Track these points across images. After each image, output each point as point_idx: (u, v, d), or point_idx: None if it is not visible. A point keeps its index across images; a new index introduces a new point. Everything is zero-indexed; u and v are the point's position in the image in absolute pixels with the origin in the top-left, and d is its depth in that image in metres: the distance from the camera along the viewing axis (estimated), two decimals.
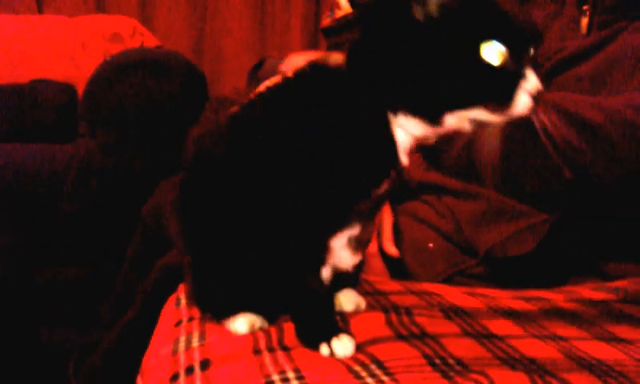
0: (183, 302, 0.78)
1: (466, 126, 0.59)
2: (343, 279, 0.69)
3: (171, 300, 0.81)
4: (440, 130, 0.60)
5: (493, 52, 0.55)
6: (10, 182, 1.77)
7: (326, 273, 0.64)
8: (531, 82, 0.57)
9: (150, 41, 2.39)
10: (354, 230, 0.65)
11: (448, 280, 0.95)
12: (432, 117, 0.58)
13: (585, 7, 1.05)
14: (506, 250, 0.93)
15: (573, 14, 1.07)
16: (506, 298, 0.81)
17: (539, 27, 0.62)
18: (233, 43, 2.77)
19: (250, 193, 0.62)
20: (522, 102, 0.56)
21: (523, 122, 0.59)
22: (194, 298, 0.73)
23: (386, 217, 1.03)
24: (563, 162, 0.86)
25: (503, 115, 0.57)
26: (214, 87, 2.48)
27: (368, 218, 0.67)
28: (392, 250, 0.99)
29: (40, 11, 2.64)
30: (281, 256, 0.63)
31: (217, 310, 0.70)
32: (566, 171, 0.86)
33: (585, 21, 1.05)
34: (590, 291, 0.84)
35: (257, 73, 1.81)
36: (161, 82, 1.87)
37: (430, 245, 1.00)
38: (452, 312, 0.71)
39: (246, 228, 0.64)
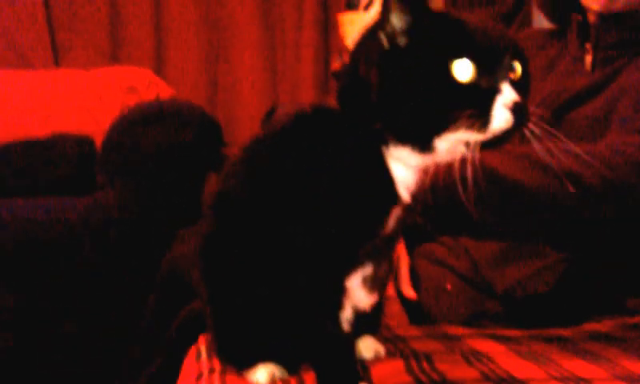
0: (204, 354, 0.79)
1: (460, 152, 0.59)
2: (363, 324, 0.69)
3: (192, 352, 0.82)
4: (435, 158, 0.60)
5: (462, 69, 0.56)
6: (29, 236, 1.80)
7: (347, 314, 0.65)
8: (506, 95, 0.57)
9: (165, 91, 2.43)
10: (366, 270, 0.65)
11: (467, 321, 0.95)
12: (420, 142, 0.59)
13: (587, 45, 1.07)
14: (524, 290, 0.93)
15: (576, 52, 1.09)
16: (526, 338, 0.81)
17: (508, 33, 0.61)
18: (245, 90, 2.82)
19: (264, 235, 0.64)
20: (500, 116, 0.56)
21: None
22: (215, 348, 0.74)
23: (403, 259, 1.03)
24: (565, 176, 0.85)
25: (486, 132, 0.57)
26: (229, 133, 2.52)
27: (381, 257, 0.67)
28: (410, 292, 0.99)
29: (57, 64, 2.71)
30: (297, 300, 0.63)
31: (237, 360, 0.70)
32: (570, 186, 0.85)
33: (589, 58, 1.06)
34: (610, 328, 0.84)
35: (269, 120, 1.85)
36: (176, 132, 1.91)
37: (448, 286, 1.00)
38: (472, 356, 0.71)
39: (263, 273, 0.65)
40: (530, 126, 0.59)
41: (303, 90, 2.77)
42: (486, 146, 0.58)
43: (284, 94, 2.83)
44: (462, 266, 1.00)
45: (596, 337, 0.80)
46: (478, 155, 0.58)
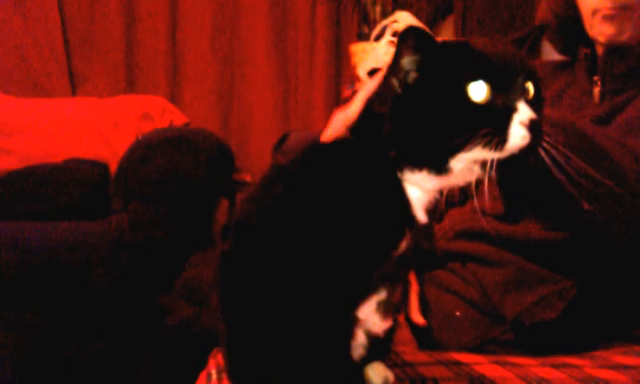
0: (214, 376, 0.80)
1: (476, 172, 0.60)
2: (373, 349, 0.69)
3: (202, 376, 0.83)
4: (451, 180, 0.61)
5: (477, 91, 0.58)
6: (44, 259, 1.82)
7: (361, 339, 0.65)
8: (522, 112, 0.58)
9: (179, 119, 2.47)
10: (381, 295, 0.66)
11: (476, 348, 0.95)
12: (436, 165, 0.60)
13: (595, 78, 1.08)
14: (533, 316, 0.93)
15: (585, 84, 1.10)
16: (535, 365, 0.81)
17: (519, 54, 0.62)
18: (258, 117, 2.86)
19: (280, 262, 0.64)
20: (517, 134, 0.57)
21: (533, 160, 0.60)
22: (227, 371, 0.74)
23: (412, 286, 1.03)
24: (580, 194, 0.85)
25: (503, 150, 0.58)
26: (241, 160, 2.55)
27: (394, 282, 0.68)
28: (419, 319, 0.99)
29: (73, 93, 2.76)
30: (310, 325, 0.64)
31: (249, 383, 0.71)
32: (585, 203, 0.85)
33: (597, 90, 1.08)
34: (619, 356, 0.84)
35: (281, 146, 1.87)
36: (190, 158, 1.94)
37: (457, 313, 1.00)
38: (481, 383, 0.71)
39: (278, 299, 0.65)
40: (545, 145, 0.60)
41: (315, 118, 2.80)
42: (501, 165, 0.59)
43: (296, 121, 2.86)
44: (470, 292, 1.00)
45: (605, 364, 0.80)
46: (493, 175, 0.59)
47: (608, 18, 1.02)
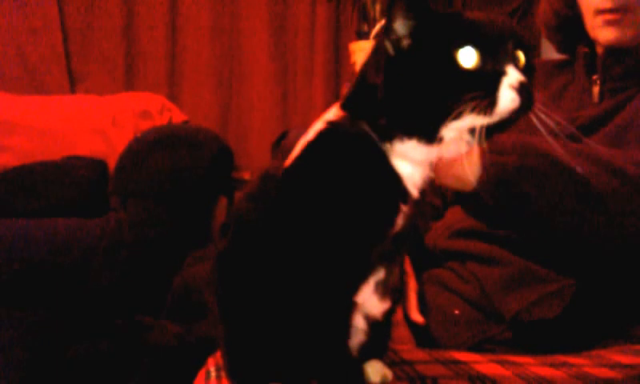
0: (213, 374, 0.79)
1: (466, 141, 0.61)
2: (373, 335, 0.70)
3: (201, 374, 0.83)
4: (441, 150, 0.62)
5: (466, 57, 0.59)
6: (43, 257, 1.82)
7: (360, 324, 0.66)
8: (511, 75, 0.59)
9: (178, 116, 2.47)
10: (379, 275, 0.66)
11: (475, 347, 0.95)
12: (427, 133, 0.61)
13: (594, 77, 1.08)
14: (532, 315, 0.93)
15: (584, 83, 1.10)
16: (533, 364, 0.81)
17: (510, 22, 0.63)
18: (257, 116, 2.86)
19: (277, 255, 0.65)
20: (506, 96, 0.58)
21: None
22: (226, 368, 0.74)
23: (411, 284, 1.04)
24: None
25: (492, 113, 0.59)
26: (240, 158, 2.55)
27: (392, 262, 0.68)
28: (417, 317, 0.99)
29: (72, 91, 2.76)
30: (310, 318, 0.64)
31: (248, 380, 0.71)
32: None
33: (596, 89, 1.08)
34: (617, 355, 0.84)
35: (280, 144, 1.87)
36: (189, 156, 1.94)
37: (456, 311, 1.00)
38: (480, 381, 0.71)
39: (277, 293, 0.65)
40: (537, 110, 0.61)
41: (314, 116, 2.80)
42: (492, 131, 0.60)
43: (295, 119, 2.86)
44: (469, 291, 1.00)
45: (603, 363, 0.80)
46: (484, 142, 0.60)
47: (610, 23, 1.02)
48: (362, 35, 2.44)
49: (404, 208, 0.64)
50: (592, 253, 0.91)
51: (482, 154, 0.82)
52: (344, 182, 0.62)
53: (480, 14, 0.63)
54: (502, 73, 0.59)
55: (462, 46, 0.59)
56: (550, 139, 0.66)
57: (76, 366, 1.71)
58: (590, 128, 1.01)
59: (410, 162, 0.63)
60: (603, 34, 1.04)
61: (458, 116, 0.58)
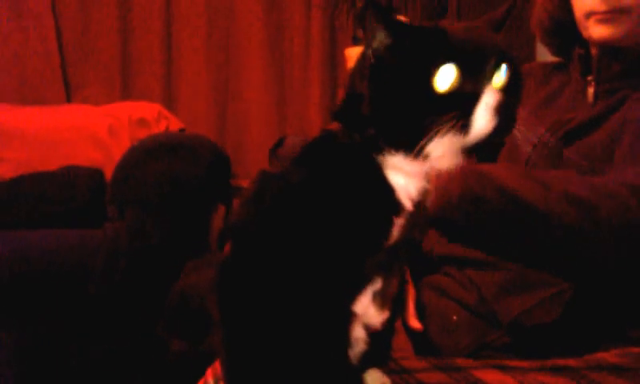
0: None
1: (453, 157, 0.60)
2: (373, 344, 0.69)
3: None
4: (432, 164, 0.61)
5: (446, 76, 0.58)
6: (40, 268, 1.81)
7: (360, 334, 0.66)
8: (488, 97, 0.58)
9: (175, 124, 2.47)
10: (376, 285, 0.66)
11: (474, 352, 0.95)
12: (410, 147, 0.59)
13: (589, 78, 1.08)
14: (531, 320, 0.93)
15: (578, 84, 1.11)
16: (533, 369, 0.81)
17: (493, 38, 0.62)
18: (254, 123, 2.86)
19: (277, 265, 0.65)
20: (482, 118, 0.58)
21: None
22: (225, 379, 0.74)
23: (409, 291, 1.03)
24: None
25: (469, 135, 0.58)
26: (237, 165, 2.54)
27: (390, 272, 0.68)
28: (416, 324, 0.99)
29: (69, 100, 2.76)
30: (309, 329, 0.64)
31: None
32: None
33: (591, 90, 1.08)
34: (616, 358, 0.84)
35: (277, 151, 1.87)
36: (186, 164, 1.93)
37: (454, 317, 1.00)
38: None
39: (277, 302, 0.65)
40: (521, 128, 0.60)
41: (311, 122, 2.80)
42: (477, 149, 0.60)
43: (292, 126, 2.86)
44: (467, 297, 1.00)
45: (602, 367, 0.80)
46: (472, 160, 0.60)
47: (602, 21, 1.02)
48: (358, 41, 2.44)
49: (398, 221, 0.64)
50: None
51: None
52: (335, 195, 0.62)
53: (463, 28, 0.62)
54: (480, 94, 0.58)
55: (441, 65, 0.58)
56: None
57: (76, 374, 1.71)
58: (583, 129, 1.02)
59: (404, 173, 0.63)
60: (596, 31, 1.04)
61: (435, 135, 0.58)
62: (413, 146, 0.59)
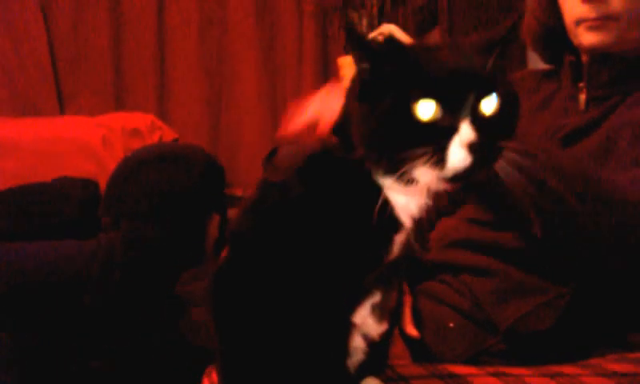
0: None
1: (441, 183, 0.59)
2: (371, 354, 0.69)
3: None
4: (423, 188, 0.61)
5: (424, 109, 0.56)
6: (35, 279, 1.80)
7: (359, 344, 0.66)
8: (463, 134, 0.56)
9: (168, 134, 2.47)
10: (375, 298, 0.66)
11: (471, 359, 0.95)
12: (393, 171, 0.58)
13: (580, 84, 1.09)
14: (527, 326, 0.93)
15: (570, 91, 1.11)
16: (529, 375, 0.81)
17: (485, 72, 0.58)
18: (247, 131, 2.86)
19: (274, 275, 0.65)
20: (455, 155, 0.56)
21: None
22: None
23: (406, 298, 1.04)
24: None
25: (444, 169, 0.56)
26: (231, 174, 2.54)
27: (389, 285, 0.68)
28: (412, 331, 0.99)
29: (62, 112, 2.76)
30: (306, 338, 0.64)
31: None
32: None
33: (582, 97, 1.09)
34: (613, 363, 0.84)
35: (271, 160, 1.87)
36: (181, 174, 1.93)
37: (451, 324, 1.00)
38: None
39: (273, 311, 0.65)
40: (502, 163, 0.59)
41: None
42: (456, 180, 0.58)
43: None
44: (463, 303, 1.00)
45: (599, 372, 0.80)
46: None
47: (592, 28, 1.03)
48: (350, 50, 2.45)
49: (397, 238, 0.64)
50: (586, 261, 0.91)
51: None
52: (333, 211, 0.62)
53: (446, 52, 0.60)
54: (454, 130, 0.56)
55: (419, 99, 0.56)
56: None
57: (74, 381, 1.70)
58: (575, 136, 1.02)
59: (403, 192, 0.62)
60: (586, 38, 1.04)
61: (413, 165, 0.57)
62: (395, 172, 0.58)
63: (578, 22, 1.05)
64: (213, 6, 2.89)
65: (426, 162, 0.56)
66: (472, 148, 0.56)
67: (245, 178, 2.71)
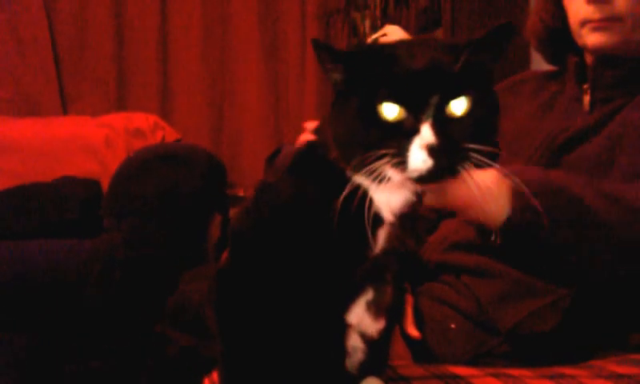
0: None
1: (404, 183, 0.59)
2: (371, 353, 0.69)
3: None
4: (393, 184, 0.60)
5: (388, 110, 0.57)
6: (36, 278, 1.80)
7: (356, 342, 0.66)
8: (423, 136, 0.56)
9: (171, 134, 2.47)
10: (368, 295, 0.66)
11: (472, 360, 0.95)
12: (363, 171, 0.59)
13: (585, 86, 1.09)
14: (528, 328, 0.93)
15: (574, 92, 1.11)
16: (531, 377, 0.80)
17: (447, 68, 0.58)
18: (249, 132, 2.87)
19: (273, 274, 0.65)
20: (415, 158, 0.56)
21: None
22: None
23: (407, 299, 1.03)
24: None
25: (406, 172, 0.57)
26: (233, 174, 2.55)
27: (380, 282, 0.68)
28: (414, 332, 0.99)
29: (65, 112, 2.76)
30: (305, 337, 0.64)
31: None
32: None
33: (587, 98, 1.08)
34: (614, 365, 0.84)
35: (273, 160, 1.87)
36: (183, 174, 1.93)
37: (452, 325, 0.99)
38: None
39: (273, 310, 0.65)
40: (466, 167, 0.58)
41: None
42: (422, 181, 0.59)
43: (287, 135, 2.87)
44: (465, 304, 1.00)
45: (600, 374, 0.80)
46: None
47: (597, 29, 1.03)
48: None
49: (380, 232, 0.64)
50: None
51: (513, 193, 0.78)
52: (315, 207, 0.63)
53: (410, 60, 0.59)
54: (415, 132, 0.56)
55: (383, 101, 0.57)
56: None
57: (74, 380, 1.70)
58: (580, 138, 1.02)
59: (381, 189, 0.61)
60: (591, 39, 1.04)
61: (377, 165, 0.57)
62: (364, 171, 0.59)
63: (583, 23, 1.05)
64: (216, 6, 2.89)
65: (388, 163, 0.57)
66: (432, 150, 0.56)
67: (247, 178, 2.71)
